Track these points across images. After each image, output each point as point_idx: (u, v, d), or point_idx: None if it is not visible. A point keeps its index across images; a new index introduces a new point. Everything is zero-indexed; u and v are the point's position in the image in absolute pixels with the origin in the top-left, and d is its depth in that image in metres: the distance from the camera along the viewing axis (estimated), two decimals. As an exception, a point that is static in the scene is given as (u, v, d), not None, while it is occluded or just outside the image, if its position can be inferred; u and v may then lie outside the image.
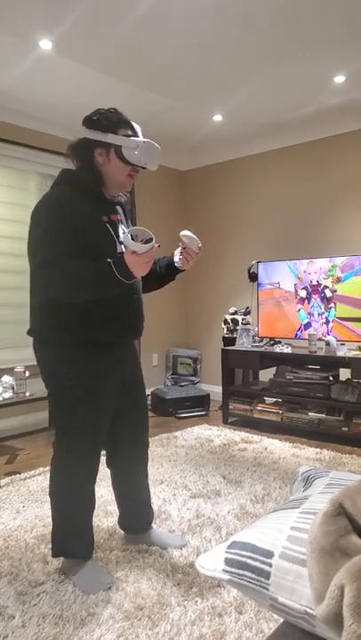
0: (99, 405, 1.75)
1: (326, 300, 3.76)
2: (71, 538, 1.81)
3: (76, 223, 1.64)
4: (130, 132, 1.72)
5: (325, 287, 3.76)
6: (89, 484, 1.79)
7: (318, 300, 3.80)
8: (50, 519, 2.30)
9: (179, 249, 1.88)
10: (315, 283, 3.81)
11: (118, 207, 1.86)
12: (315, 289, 3.82)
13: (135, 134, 1.73)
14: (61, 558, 1.87)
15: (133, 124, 1.75)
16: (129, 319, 1.78)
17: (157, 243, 1.61)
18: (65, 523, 1.80)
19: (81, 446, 1.75)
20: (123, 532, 2.08)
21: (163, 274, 1.93)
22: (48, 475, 2.88)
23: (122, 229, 1.81)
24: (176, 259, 1.88)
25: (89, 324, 1.69)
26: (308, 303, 3.86)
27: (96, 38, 2.87)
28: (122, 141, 1.69)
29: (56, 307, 1.69)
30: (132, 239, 1.58)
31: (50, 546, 2.05)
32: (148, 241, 1.60)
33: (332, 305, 3.73)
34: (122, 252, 1.65)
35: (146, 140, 1.70)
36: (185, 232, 1.83)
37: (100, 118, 1.71)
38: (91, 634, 1.52)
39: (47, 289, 1.67)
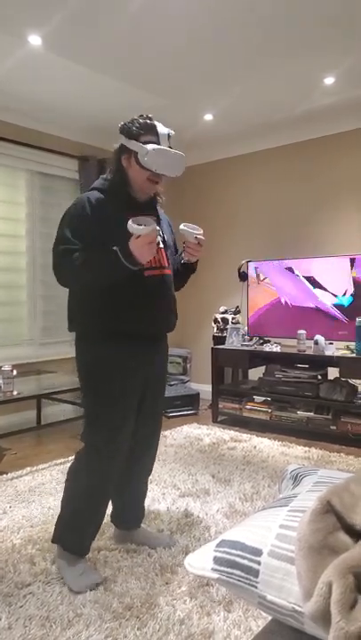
0: (124, 400, 1.80)
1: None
2: (74, 532, 1.83)
3: (98, 222, 1.75)
4: (151, 139, 1.78)
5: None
6: (104, 485, 1.82)
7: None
8: (37, 519, 2.29)
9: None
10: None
11: (155, 209, 1.94)
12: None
13: (157, 140, 1.79)
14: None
15: (160, 129, 1.80)
16: (156, 314, 1.85)
17: (158, 229, 1.72)
18: (72, 516, 1.82)
19: (101, 443, 1.79)
20: (114, 527, 2.08)
21: (181, 271, 2.03)
22: (37, 475, 2.87)
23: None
24: (182, 255, 1.98)
25: (124, 320, 1.77)
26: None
27: (86, 35, 2.85)
28: (137, 147, 1.77)
29: (87, 302, 1.79)
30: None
31: (37, 546, 2.05)
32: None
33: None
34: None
35: (157, 147, 1.76)
36: (181, 226, 1.90)
37: (129, 125, 1.81)
38: (78, 635, 1.51)
39: (64, 281, 1.77)
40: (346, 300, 3.65)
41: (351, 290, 3.62)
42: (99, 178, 1.93)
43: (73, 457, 1.90)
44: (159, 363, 1.96)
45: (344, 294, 3.65)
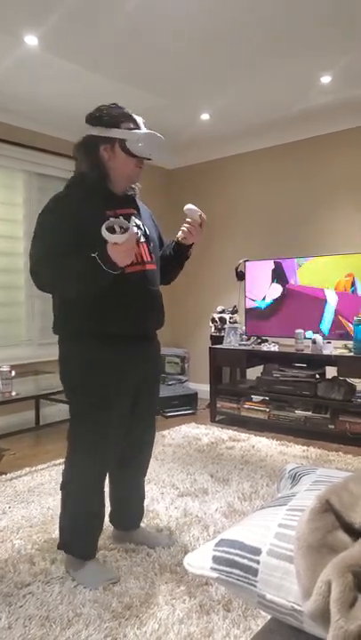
0: (112, 401, 1.75)
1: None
2: (77, 537, 1.81)
3: (76, 221, 1.66)
4: (132, 125, 1.73)
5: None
6: (97, 484, 1.79)
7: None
8: (36, 519, 2.29)
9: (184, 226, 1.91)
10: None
11: (133, 202, 1.88)
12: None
13: (137, 127, 1.74)
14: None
15: (135, 116, 1.76)
16: (142, 312, 1.79)
17: (136, 231, 1.65)
18: (72, 521, 1.80)
19: (89, 443, 1.76)
20: (113, 527, 2.08)
21: (173, 256, 1.96)
22: (36, 475, 2.87)
23: (134, 223, 1.81)
24: (179, 233, 1.90)
25: (105, 319, 1.71)
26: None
27: (83, 35, 2.85)
28: (125, 135, 1.71)
29: (72, 303, 1.73)
30: (111, 232, 1.59)
31: (37, 546, 2.05)
32: (126, 230, 1.62)
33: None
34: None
35: (148, 131, 1.71)
36: (188, 205, 1.86)
37: (102, 114, 1.73)
38: (78, 634, 1.51)
39: (42, 286, 1.70)
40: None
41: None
42: (72, 176, 1.82)
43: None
44: (152, 362, 1.91)
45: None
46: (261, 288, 4.01)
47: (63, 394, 1.87)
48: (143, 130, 1.72)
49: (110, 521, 2.06)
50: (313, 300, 3.77)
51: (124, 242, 1.57)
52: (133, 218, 1.81)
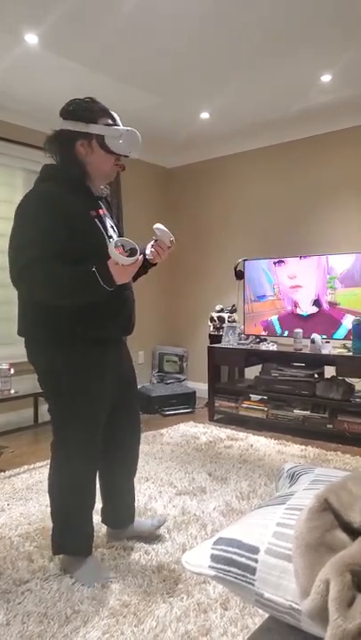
0: (94, 403, 1.75)
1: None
2: (71, 535, 1.80)
3: (65, 221, 1.60)
4: (110, 121, 1.69)
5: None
6: (88, 481, 1.79)
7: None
8: (35, 517, 2.29)
9: (151, 242, 1.84)
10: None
11: (102, 201, 1.83)
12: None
13: (115, 123, 1.70)
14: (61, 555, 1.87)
15: (112, 112, 1.72)
16: (122, 315, 1.79)
17: (141, 253, 1.61)
18: (64, 520, 1.79)
19: (79, 443, 1.75)
20: (106, 526, 2.08)
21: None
22: (35, 472, 2.87)
23: (109, 223, 1.79)
24: (147, 251, 1.83)
25: (81, 322, 1.68)
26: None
27: (83, 33, 2.84)
28: (105, 131, 1.66)
29: (46, 306, 1.67)
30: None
31: (35, 543, 2.05)
32: (132, 251, 1.59)
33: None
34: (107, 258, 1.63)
35: (129, 128, 1.68)
36: (158, 225, 1.80)
37: (78, 108, 1.68)
38: (76, 631, 1.51)
39: (30, 291, 1.64)
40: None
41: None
42: (43, 166, 1.73)
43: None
44: (127, 365, 1.92)
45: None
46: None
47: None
48: (122, 127, 1.68)
49: (103, 521, 2.06)
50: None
51: (131, 264, 1.56)
52: (107, 218, 1.79)
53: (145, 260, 1.83)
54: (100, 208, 1.77)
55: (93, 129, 1.66)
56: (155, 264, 1.89)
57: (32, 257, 1.56)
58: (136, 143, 1.69)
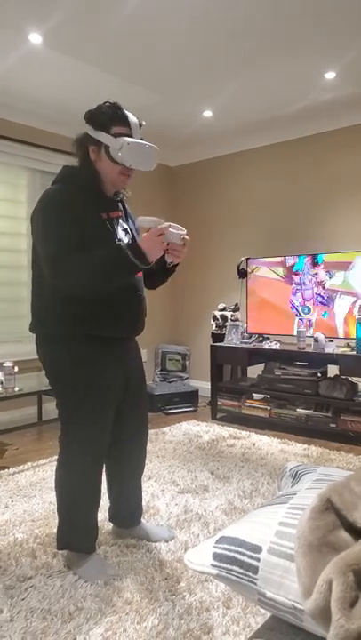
0: (103, 400, 1.77)
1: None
2: (76, 532, 1.82)
3: (77, 221, 1.64)
4: (122, 130, 1.69)
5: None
6: (94, 477, 1.81)
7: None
8: (38, 514, 2.30)
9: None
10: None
11: (120, 204, 1.86)
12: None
13: (129, 132, 1.70)
14: (65, 551, 1.89)
15: (132, 119, 1.70)
16: (132, 316, 1.81)
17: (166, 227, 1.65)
18: (70, 516, 1.81)
19: (86, 439, 1.77)
20: (112, 525, 2.09)
21: (159, 270, 1.93)
22: (38, 470, 2.88)
23: (122, 227, 1.81)
24: (167, 258, 1.82)
25: (92, 320, 1.71)
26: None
27: (87, 32, 2.84)
28: (108, 140, 1.67)
29: (60, 305, 1.70)
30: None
31: (39, 540, 2.06)
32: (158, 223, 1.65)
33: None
34: (131, 242, 1.68)
35: (132, 140, 1.66)
36: (170, 229, 1.69)
37: (97, 113, 1.70)
38: (79, 628, 1.52)
39: (67, 283, 1.62)
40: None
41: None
42: (62, 167, 1.78)
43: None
44: (137, 364, 1.94)
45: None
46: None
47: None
48: (128, 139, 1.66)
49: (110, 519, 2.07)
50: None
51: (158, 227, 1.60)
52: (121, 221, 1.81)
53: (165, 264, 1.86)
54: (114, 211, 1.78)
55: (100, 137, 1.68)
56: (177, 264, 1.91)
57: (56, 252, 1.60)
58: (139, 157, 1.68)
